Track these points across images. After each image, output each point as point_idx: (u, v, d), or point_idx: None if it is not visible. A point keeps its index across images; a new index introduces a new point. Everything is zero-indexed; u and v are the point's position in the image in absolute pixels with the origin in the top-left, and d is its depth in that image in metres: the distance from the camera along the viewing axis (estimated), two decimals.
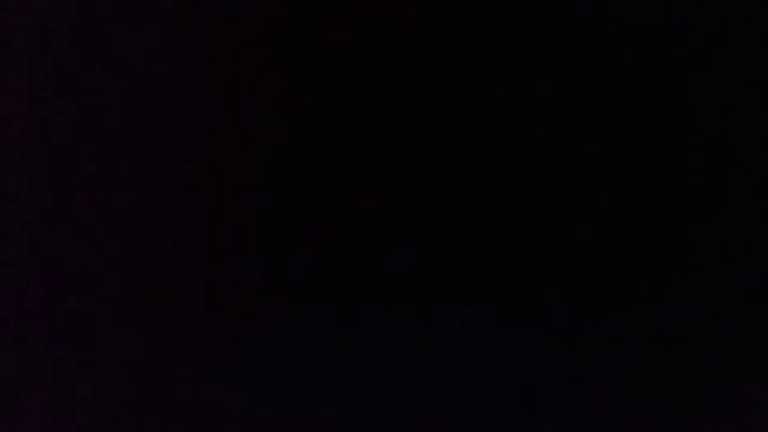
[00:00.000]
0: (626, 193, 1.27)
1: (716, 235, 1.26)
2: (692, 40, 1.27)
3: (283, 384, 1.26)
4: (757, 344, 1.25)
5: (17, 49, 1.28)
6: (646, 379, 1.25)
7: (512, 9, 1.27)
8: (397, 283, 1.26)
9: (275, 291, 1.26)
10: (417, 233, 1.27)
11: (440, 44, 1.27)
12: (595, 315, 1.26)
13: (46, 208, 1.27)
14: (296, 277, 1.26)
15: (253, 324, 1.26)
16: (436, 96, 1.27)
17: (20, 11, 1.29)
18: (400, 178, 1.27)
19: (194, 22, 1.28)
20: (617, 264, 1.26)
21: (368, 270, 1.26)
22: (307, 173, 1.27)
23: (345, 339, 1.26)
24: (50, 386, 1.26)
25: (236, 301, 1.26)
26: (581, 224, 1.26)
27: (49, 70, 1.28)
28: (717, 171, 1.27)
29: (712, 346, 1.26)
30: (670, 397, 1.25)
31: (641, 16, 1.27)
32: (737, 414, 1.25)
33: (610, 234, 1.26)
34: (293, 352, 1.26)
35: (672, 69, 1.27)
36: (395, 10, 1.27)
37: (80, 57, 1.28)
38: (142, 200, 1.27)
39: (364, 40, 1.28)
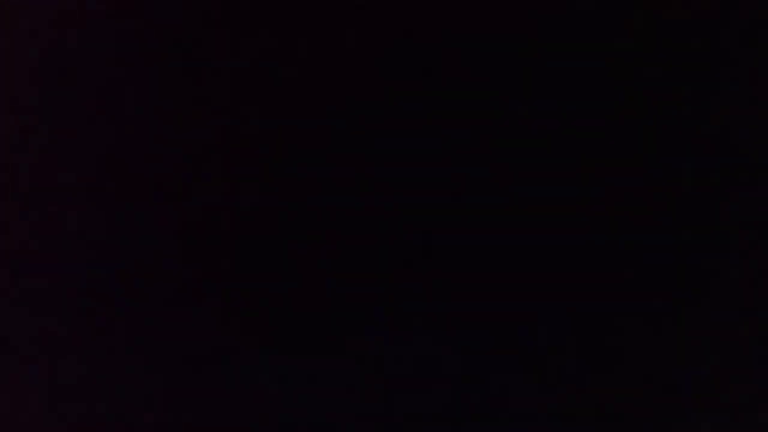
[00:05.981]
0: (625, 199, 1.27)
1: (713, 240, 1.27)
2: (693, 40, 1.27)
3: (280, 391, 1.26)
4: (758, 345, 1.26)
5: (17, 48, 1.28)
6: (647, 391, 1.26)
7: (512, 9, 1.27)
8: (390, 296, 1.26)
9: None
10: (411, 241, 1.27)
11: (440, 44, 1.27)
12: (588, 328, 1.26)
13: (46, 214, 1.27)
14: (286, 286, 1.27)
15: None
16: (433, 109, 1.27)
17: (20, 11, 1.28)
18: (389, 188, 1.27)
19: (192, 21, 1.28)
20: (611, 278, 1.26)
21: (366, 281, 1.26)
22: (306, 180, 1.27)
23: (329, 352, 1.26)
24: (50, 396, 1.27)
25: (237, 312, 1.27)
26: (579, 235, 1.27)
27: (48, 70, 1.28)
28: (717, 172, 1.27)
29: (711, 347, 1.26)
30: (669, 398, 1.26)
31: (642, 16, 1.27)
32: (737, 414, 1.25)
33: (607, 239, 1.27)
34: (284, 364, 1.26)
35: (672, 69, 1.27)
36: (395, 10, 1.27)
37: (79, 57, 1.28)
38: (142, 204, 1.27)
39: (364, 41, 1.27)
